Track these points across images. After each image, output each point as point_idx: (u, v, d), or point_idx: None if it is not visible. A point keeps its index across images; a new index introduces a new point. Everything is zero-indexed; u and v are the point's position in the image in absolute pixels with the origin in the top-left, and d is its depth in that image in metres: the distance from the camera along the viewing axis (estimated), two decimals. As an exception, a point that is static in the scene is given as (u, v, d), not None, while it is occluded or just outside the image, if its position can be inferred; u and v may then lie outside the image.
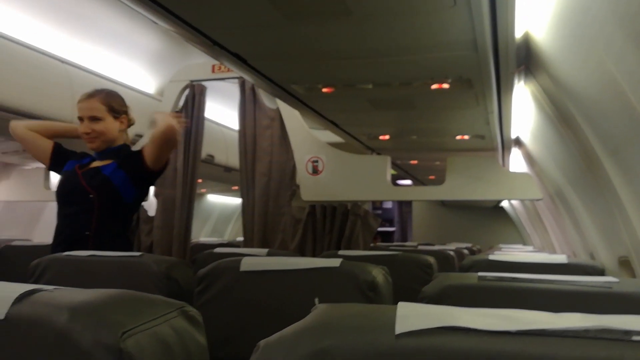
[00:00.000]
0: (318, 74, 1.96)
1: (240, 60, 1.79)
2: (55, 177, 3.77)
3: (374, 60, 1.74)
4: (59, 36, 3.07)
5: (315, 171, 3.44)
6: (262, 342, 0.48)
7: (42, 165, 3.77)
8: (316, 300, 0.57)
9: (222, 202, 7.22)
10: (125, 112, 2.16)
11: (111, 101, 2.08)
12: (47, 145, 2.18)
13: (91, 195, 2.00)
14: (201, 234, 6.79)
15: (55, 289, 0.56)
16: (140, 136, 3.63)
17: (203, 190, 6.42)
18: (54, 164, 2.19)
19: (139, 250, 3.10)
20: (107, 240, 1.98)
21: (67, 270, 1.47)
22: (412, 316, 0.46)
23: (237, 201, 7.38)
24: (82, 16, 3.02)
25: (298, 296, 1.45)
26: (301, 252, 3.41)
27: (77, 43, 3.18)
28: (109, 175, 2.04)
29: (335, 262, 1.46)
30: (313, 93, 2.18)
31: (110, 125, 2.08)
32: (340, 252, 2.16)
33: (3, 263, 2.59)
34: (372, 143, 3.30)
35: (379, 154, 3.52)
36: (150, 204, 3.58)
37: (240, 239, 5.19)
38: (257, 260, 1.54)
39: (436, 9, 1.34)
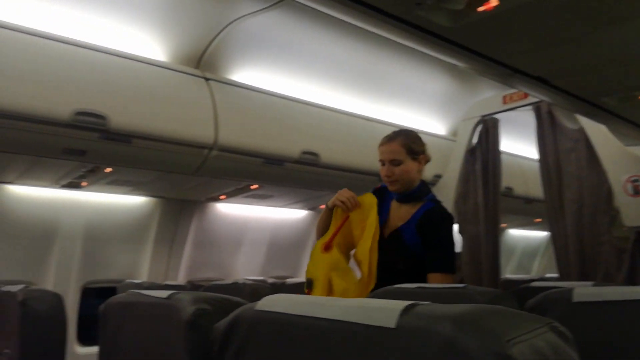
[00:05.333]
0: (634, 80, 1.75)
1: (542, 82, 1.74)
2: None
3: None
4: (363, 101, 3.53)
5: (636, 192, 3.00)
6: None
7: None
8: None
9: (525, 236, 6.86)
10: (423, 152, 2.09)
11: (411, 143, 2.05)
12: None
13: (399, 266, 1.99)
14: (506, 271, 6.55)
15: (429, 303, 0.64)
16: (439, 177, 3.80)
17: (503, 225, 6.23)
18: None
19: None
20: None
21: (400, 299, 1.62)
22: None
23: (541, 234, 6.91)
24: (378, 77, 3.41)
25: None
26: (631, 285, 2.96)
27: (375, 104, 3.59)
28: (410, 244, 2.00)
29: (695, 291, 1.24)
30: (628, 103, 1.94)
31: (409, 167, 2.04)
32: (694, 283, 1.81)
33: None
34: None
35: None
36: (456, 240, 3.67)
37: (550, 275, 4.80)
38: (592, 291, 1.42)
39: None
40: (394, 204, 2.12)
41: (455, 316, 0.57)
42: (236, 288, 2.67)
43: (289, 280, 3.53)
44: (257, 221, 4.33)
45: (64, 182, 3.11)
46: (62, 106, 2.26)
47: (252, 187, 3.50)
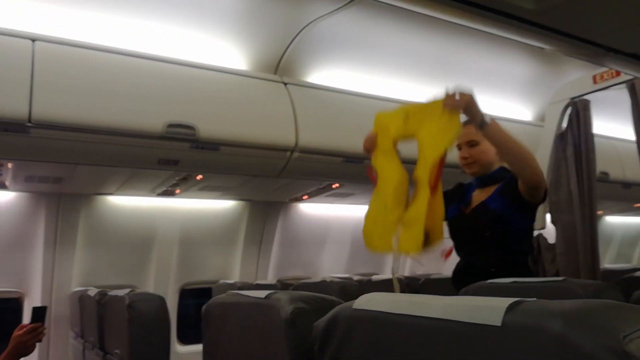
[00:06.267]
0: None
1: (637, 59, 1.63)
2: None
3: None
4: (444, 91, 3.44)
5: None
6: None
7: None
8: None
9: (624, 222, 6.41)
10: None
11: None
12: None
13: (487, 234, 1.96)
14: (604, 261, 6.15)
15: (535, 300, 0.63)
16: (526, 165, 3.64)
17: (599, 212, 5.85)
18: None
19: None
20: (511, 273, 1.85)
21: (494, 295, 1.57)
22: None
23: (641, 220, 6.44)
24: (457, 66, 3.32)
25: None
26: None
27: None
28: (496, 209, 1.97)
29: None
30: None
31: (486, 148, 2.02)
32: None
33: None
34: None
35: None
36: (549, 230, 3.50)
37: (656, 263, 4.48)
38: None
39: None
40: (475, 193, 2.10)
41: (566, 312, 0.55)
42: (325, 286, 2.72)
43: (375, 277, 3.54)
44: (339, 219, 4.37)
45: (160, 190, 3.31)
46: (155, 120, 2.41)
47: (334, 186, 3.54)
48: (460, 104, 1.77)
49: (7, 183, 2.91)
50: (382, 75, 3.24)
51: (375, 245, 1.88)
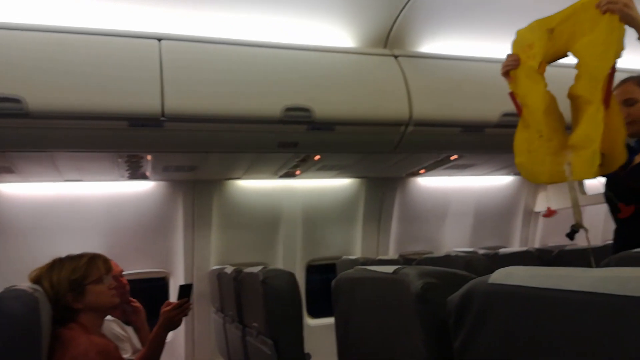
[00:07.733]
0: None
1: None
2: (589, 182, 3.81)
3: None
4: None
5: None
6: None
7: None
8: None
9: None
10: None
11: None
12: None
13: None
14: None
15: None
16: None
17: None
18: None
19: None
20: None
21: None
22: None
23: None
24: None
25: None
26: None
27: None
28: None
29: None
30: None
31: None
32: None
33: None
34: None
35: None
36: None
37: None
38: None
39: None
40: (637, 156, 1.94)
41: None
42: (450, 260, 2.66)
43: (502, 251, 3.38)
44: (460, 191, 4.24)
45: (281, 172, 3.44)
46: (273, 105, 2.50)
47: (452, 158, 3.43)
48: (619, 2, 1.56)
49: (147, 173, 3.19)
50: (499, 39, 3.04)
51: (537, 177, 1.80)
